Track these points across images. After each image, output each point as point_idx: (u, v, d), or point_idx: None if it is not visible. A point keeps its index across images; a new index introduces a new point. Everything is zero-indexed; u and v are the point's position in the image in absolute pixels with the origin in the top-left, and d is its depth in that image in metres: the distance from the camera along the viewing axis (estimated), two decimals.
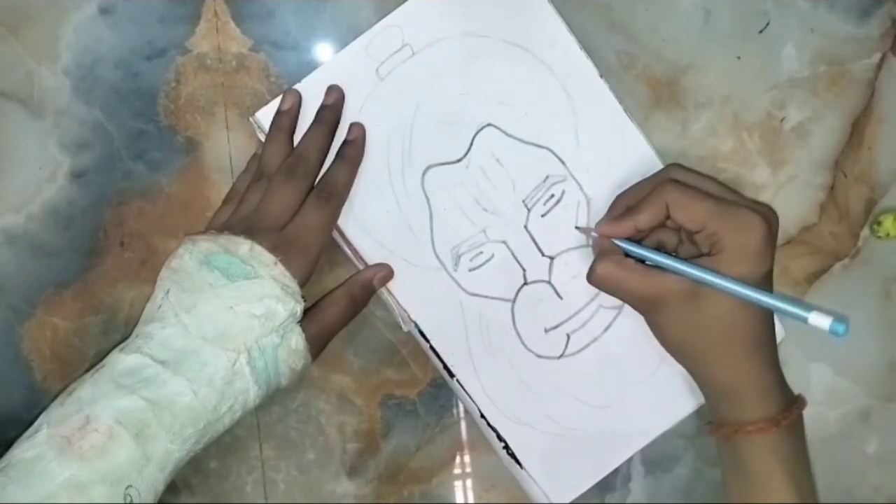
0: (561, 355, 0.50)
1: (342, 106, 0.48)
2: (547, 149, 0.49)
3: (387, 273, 0.48)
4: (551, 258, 0.49)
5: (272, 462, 0.51)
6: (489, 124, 0.49)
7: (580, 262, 0.49)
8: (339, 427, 0.51)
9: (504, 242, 0.49)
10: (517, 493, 0.51)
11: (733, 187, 0.52)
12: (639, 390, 0.50)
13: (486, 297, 0.49)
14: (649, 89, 0.52)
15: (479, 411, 0.49)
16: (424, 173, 0.49)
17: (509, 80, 0.49)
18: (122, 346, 0.42)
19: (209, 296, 0.41)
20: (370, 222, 0.48)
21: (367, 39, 0.48)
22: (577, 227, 0.49)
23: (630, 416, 0.49)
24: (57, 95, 0.49)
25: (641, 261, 0.44)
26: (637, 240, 0.45)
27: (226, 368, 0.41)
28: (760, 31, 0.52)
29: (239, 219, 0.45)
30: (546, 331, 0.50)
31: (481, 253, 0.49)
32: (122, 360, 0.40)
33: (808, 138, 0.53)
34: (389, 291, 0.48)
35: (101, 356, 0.42)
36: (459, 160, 0.49)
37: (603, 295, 0.47)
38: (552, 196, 0.49)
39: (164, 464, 0.39)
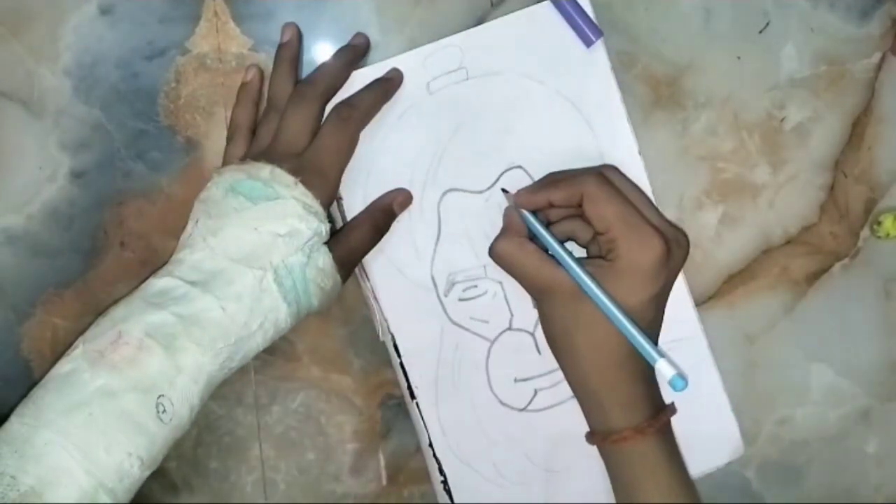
0: (523, 408, 0.49)
1: (365, 46, 0.49)
2: None
3: (405, 197, 0.48)
4: None
5: (272, 462, 0.51)
6: (519, 166, 0.49)
7: None
8: (339, 427, 0.51)
9: (500, 283, 0.49)
10: None
11: (731, 188, 0.52)
12: (589, 464, 0.47)
13: (467, 330, 0.49)
14: (649, 89, 0.52)
15: (429, 439, 0.49)
16: (444, 195, 0.49)
17: (551, 131, 0.49)
18: (154, 272, 0.43)
19: (234, 219, 0.42)
20: None
21: (428, 52, 0.48)
22: (502, 190, 0.48)
23: (573, 488, 0.49)
24: (57, 95, 0.49)
25: (546, 248, 0.45)
26: (548, 223, 0.46)
27: (253, 286, 0.42)
28: (760, 31, 0.52)
29: (257, 151, 0.46)
30: (515, 381, 0.49)
31: (475, 286, 0.49)
32: (154, 283, 0.42)
33: (808, 138, 0.53)
34: (376, 297, 0.48)
35: None
36: (481, 192, 0.49)
37: None
38: None
39: (196, 376, 0.40)
